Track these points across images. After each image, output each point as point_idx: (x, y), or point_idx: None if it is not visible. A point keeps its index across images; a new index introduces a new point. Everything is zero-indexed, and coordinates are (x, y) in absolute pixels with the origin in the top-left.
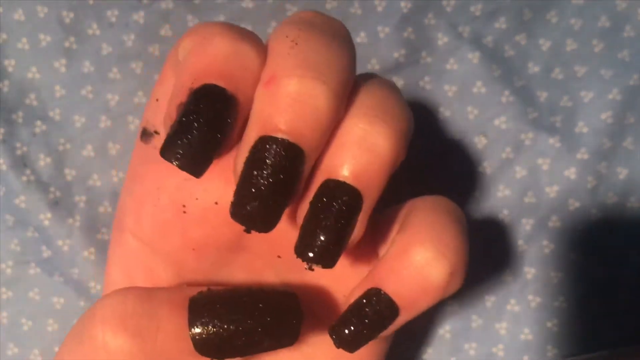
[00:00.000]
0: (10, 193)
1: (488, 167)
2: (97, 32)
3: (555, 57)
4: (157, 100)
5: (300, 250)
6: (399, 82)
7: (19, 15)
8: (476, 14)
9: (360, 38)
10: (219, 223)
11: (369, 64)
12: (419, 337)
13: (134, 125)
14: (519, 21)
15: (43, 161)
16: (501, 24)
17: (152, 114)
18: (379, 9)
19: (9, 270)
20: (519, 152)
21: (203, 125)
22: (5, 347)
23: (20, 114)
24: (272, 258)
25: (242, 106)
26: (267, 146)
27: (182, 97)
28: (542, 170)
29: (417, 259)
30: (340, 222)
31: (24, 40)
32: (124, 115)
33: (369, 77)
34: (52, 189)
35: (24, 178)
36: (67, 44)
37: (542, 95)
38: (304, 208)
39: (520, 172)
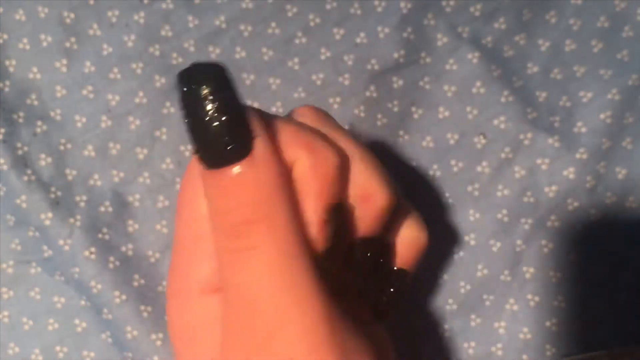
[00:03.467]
0: (11, 193)
1: (487, 167)
2: (98, 33)
3: (554, 57)
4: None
5: None
6: (399, 82)
7: (19, 15)
8: (476, 14)
9: (360, 38)
10: None
11: (368, 64)
12: (418, 336)
13: (135, 125)
14: (518, 21)
15: (44, 161)
16: (501, 24)
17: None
18: (379, 9)
19: (10, 270)
20: (518, 152)
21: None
22: (6, 347)
23: (21, 114)
24: None
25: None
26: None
27: (323, 214)
28: (541, 170)
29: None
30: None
31: (25, 40)
32: (124, 116)
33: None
34: (53, 188)
35: (25, 178)
36: (67, 44)
37: (541, 95)
38: None
39: (519, 172)
